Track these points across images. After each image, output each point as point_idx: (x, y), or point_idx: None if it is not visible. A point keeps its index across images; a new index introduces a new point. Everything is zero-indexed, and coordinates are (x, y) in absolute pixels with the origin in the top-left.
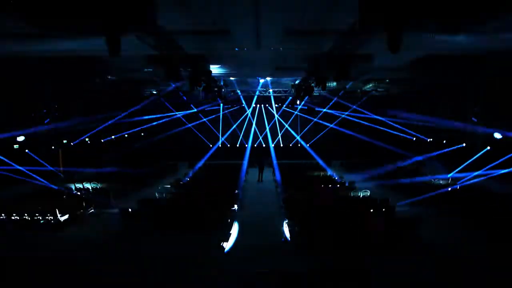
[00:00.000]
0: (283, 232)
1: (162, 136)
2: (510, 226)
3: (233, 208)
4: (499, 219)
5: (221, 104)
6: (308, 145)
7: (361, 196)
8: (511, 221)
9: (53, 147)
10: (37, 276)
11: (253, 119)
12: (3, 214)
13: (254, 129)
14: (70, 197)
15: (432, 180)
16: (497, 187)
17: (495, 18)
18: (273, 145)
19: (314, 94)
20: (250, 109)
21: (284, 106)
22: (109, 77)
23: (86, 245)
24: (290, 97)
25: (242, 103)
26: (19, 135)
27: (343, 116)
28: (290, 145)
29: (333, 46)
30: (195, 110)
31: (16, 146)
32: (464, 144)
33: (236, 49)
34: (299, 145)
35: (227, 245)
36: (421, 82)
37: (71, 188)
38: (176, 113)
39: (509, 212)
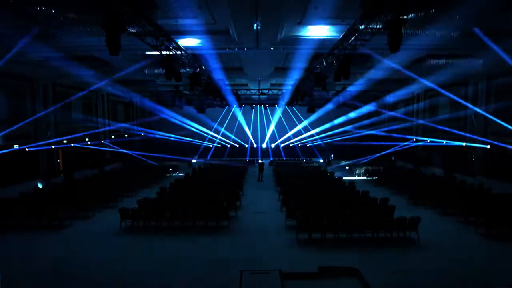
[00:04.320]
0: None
1: (162, 136)
2: (508, 225)
3: (233, 211)
4: (498, 219)
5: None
6: (308, 145)
7: (360, 193)
8: (510, 220)
9: (52, 147)
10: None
11: (253, 120)
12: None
13: (254, 129)
14: None
15: None
16: (497, 188)
17: None
18: (273, 145)
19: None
20: (253, 110)
21: (284, 105)
22: None
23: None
24: (290, 97)
25: (242, 104)
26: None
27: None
28: (290, 145)
29: (334, 46)
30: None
31: (16, 146)
32: None
33: (236, 49)
34: (299, 145)
35: (228, 245)
36: None
37: None
38: (176, 114)
39: (508, 212)
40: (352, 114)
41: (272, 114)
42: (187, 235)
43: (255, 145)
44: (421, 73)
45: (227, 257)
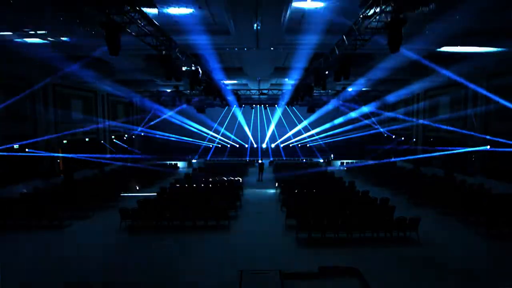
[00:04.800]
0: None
1: (162, 136)
2: (508, 225)
3: (233, 211)
4: (498, 219)
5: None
6: (308, 145)
7: (360, 193)
8: (510, 220)
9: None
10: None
11: (253, 120)
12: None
13: (254, 129)
14: None
15: None
16: (497, 188)
17: None
18: (273, 145)
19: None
20: (253, 110)
21: (284, 105)
22: None
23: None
24: (290, 97)
25: (242, 104)
26: None
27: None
28: (290, 145)
29: (334, 46)
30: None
31: (16, 146)
32: None
33: (236, 49)
34: (299, 145)
35: (228, 244)
36: None
37: None
38: (176, 114)
39: (508, 212)
40: (352, 114)
41: (272, 114)
42: (187, 235)
43: (255, 145)
44: (420, 74)
45: (227, 257)
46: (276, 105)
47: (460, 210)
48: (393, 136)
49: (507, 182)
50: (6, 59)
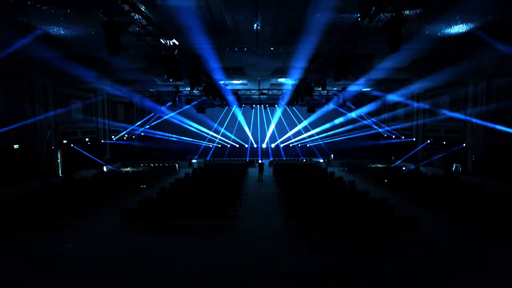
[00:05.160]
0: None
1: (162, 136)
2: (508, 225)
3: (233, 211)
4: (498, 219)
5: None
6: (308, 145)
7: (360, 193)
8: (509, 220)
9: (52, 147)
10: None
11: (253, 120)
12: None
13: (254, 129)
14: None
15: None
16: (497, 188)
17: None
18: (273, 145)
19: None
20: (253, 110)
21: (284, 105)
22: None
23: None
24: (290, 97)
25: (242, 104)
26: None
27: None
28: (291, 145)
29: (334, 46)
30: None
31: (16, 146)
32: None
33: (236, 49)
34: (299, 145)
35: (228, 244)
36: None
37: None
38: (175, 114)
39: (508, 211)
40: (352, 114)
41: (272, 114)
42: (187, 235)
43: (255, 145)
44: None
45: (227, 257)
46: (276, 105)
47: (460, 210)
48: (393, 136)
49: (507, 182)
50: (8, 59)
